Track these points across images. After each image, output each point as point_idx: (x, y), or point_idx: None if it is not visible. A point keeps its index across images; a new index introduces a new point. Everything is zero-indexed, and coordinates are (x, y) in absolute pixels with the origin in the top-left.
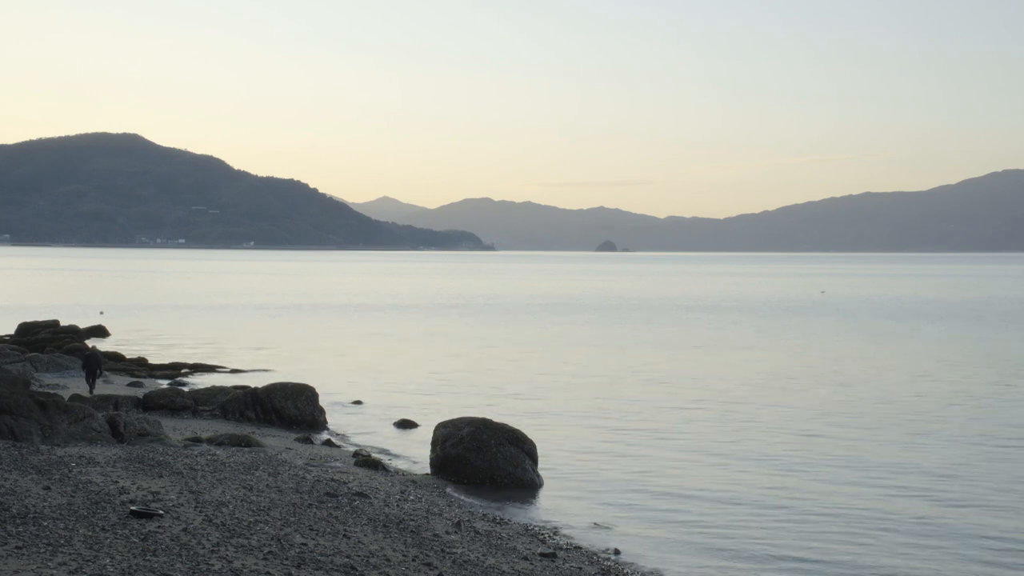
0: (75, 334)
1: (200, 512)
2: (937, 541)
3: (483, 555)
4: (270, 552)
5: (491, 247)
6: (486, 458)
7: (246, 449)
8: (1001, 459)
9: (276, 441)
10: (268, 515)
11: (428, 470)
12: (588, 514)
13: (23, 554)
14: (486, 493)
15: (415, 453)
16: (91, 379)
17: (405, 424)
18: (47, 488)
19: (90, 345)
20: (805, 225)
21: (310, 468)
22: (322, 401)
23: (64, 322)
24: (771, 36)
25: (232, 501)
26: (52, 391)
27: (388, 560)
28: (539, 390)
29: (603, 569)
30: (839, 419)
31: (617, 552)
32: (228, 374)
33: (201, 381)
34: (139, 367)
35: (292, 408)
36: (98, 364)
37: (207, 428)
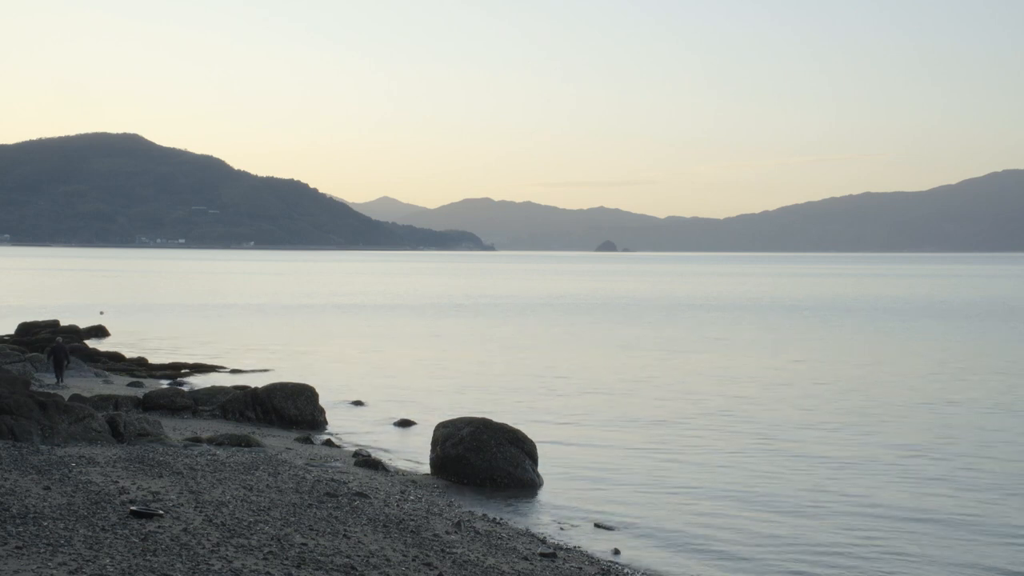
0: (75, 334)
1: (200, 512)
2: (950, 553)
3: (483, 555)
4: (270, 552)
5: (491, 247)
6: (486, 458)
7: (246, 449)
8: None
9: (276, 441)
10: (268, 515)
11: (428, 470)
12: (588, 514)
13: (23, 554)
14: (486, 493)
15: (415, 453)
16: (58, 370)
17: (405, 424)
18: (47, 488)
19: (59, 339)
20: (805, 225)
21: (310, 468)
22: (322, 401)
23: (64, 322)
24: (771, 36)
25: (232, 501)
26: (52, 391)
27: (388, 560)
28: (539, 390)
29: (603, 569)
30: (844, 421)
31: (617, 552)
32: (228, 374)
33: (201, 381)
34: (139, 367)
35: (292, 408)
36: (65, 355)
37: (207, 428)
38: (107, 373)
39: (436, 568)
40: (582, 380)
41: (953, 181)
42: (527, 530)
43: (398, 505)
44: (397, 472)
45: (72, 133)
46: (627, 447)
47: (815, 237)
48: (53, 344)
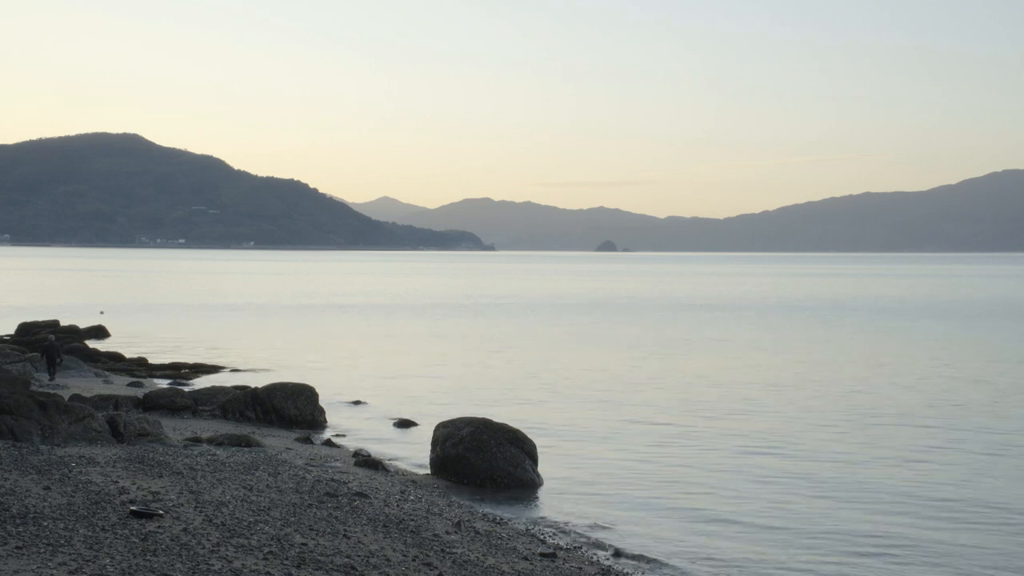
0: (75, 334)
1: (200, 512)
2: (952, 564)
3: (483, 555)
4: (270, 552)
5: (491, 247)
6: (486, 458)
7: (246, 449)
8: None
9: (276, 441)
10: (268, 515)
11: (428, 470)
12: (588, 514)
13: (23, 554)
14: (486, 493)
15: (415, 453)
16: (51, 368)
17: (405, 424)
18: (47, 488)
19: (51, 337)
20: (805, 225)
21: (310, 468)
22: (322, 401)
23: (64, 322)
24: (771, 36)
25: (232, 501)
26: (52, 391)
27: (388, 560)
28: (540, 390)
29: (603, 569)
30: (846, 423)
31: (617, 552)
32: (228, 374)
33: (201, 381)
34: (139, 367)
35: (292, 408)
36: (57, 353)
37: (207, 428)
38: (107, 373)
39: (436, 568)
40: (582, 380)
41: (953, 181)
42: (527, 530)
43: (398, 505)
44: (397, 472)
45: (72, 133)
46: (627, 447)
47: (815, 237)
48: (46, 343)
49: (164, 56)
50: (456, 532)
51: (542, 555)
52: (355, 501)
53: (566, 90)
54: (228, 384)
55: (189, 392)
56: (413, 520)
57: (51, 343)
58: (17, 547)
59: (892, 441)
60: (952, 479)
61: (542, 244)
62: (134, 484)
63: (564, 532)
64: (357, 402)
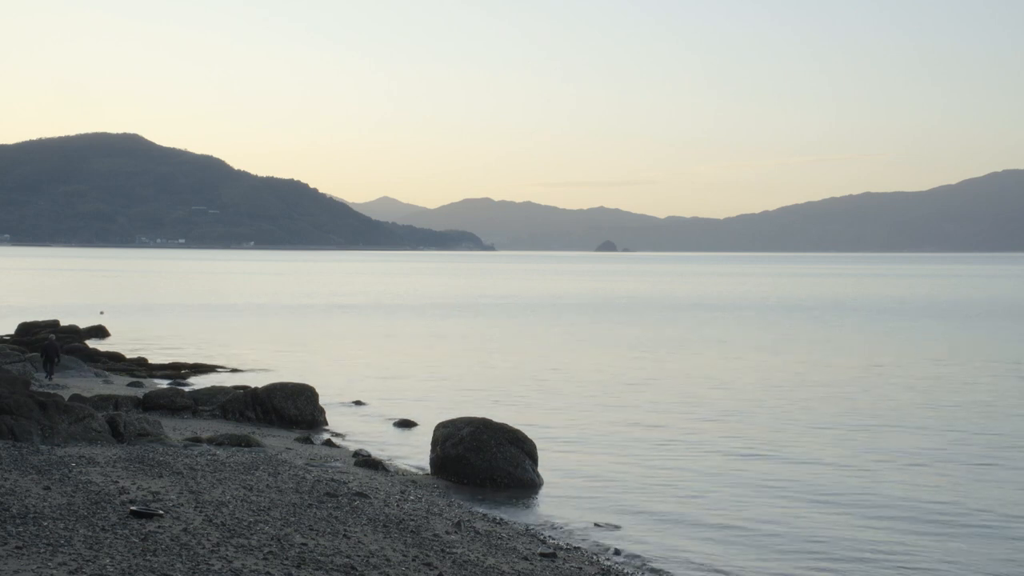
0: (75, 334)
1: (200, 512)
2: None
3: (483, 555)
4: (270, 552)
5: (491, 247)
6: (486, 458)
7: (246, 449)
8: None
9: (276, 441)
10: (268, 515)
11: (428, 470)
12: (588, 514)
13: (23, 554)
14: (486, 493)
15: (415, 453)
16: (49, 366)
17: (405, 424)
18: (47, 488)
19: (51, 336)
20: (805, 225)
21: (310, 468)
22: (322, 401)
23: (64, 322)
24: (771, 36)
25: (232, 501)
26: (52, 391)
27: (388, 560)
28: (540, 390)
29: (603, 569)
30: (846, 423)
31: (617, 552)
32: (228, 374)
33: (201, 381)
34: (139, 367)
35: (292, 408)
36: (56, 353)
37: (207, 428)
38: (107, 373)
39: (436, 568)
40: (582, 380)
41: (953, 181)
42: (527, 530)
43: (398, 505)
44: (397, 472)
45: (72, 133)
46: (627, 447)
47: (815, 237)
48: (45, 341)
49: (164, 56)
50: (456, 532)
51: (542, 555)
52: (355, 501)
53: (566, 90)
54: (228, 384)
55: (189, 392)
56: (413, 520)
57: (51, 342)
58: (17, 547)
59: (892, 444)
60: (954, 483)
61: (542, 244)
62: (134, 484)
63: (564, 532)
64: (357, 402)
